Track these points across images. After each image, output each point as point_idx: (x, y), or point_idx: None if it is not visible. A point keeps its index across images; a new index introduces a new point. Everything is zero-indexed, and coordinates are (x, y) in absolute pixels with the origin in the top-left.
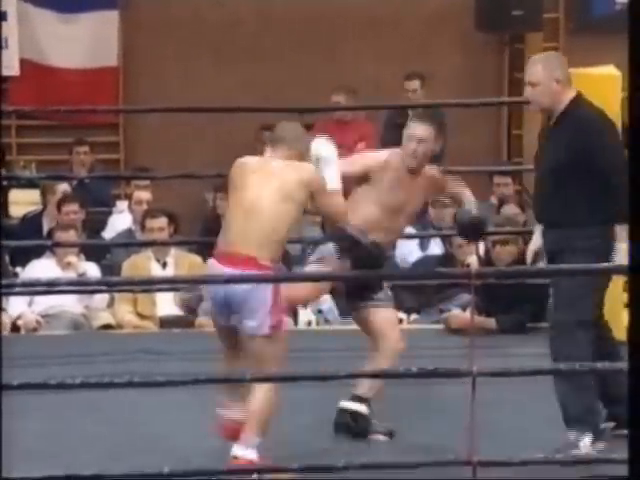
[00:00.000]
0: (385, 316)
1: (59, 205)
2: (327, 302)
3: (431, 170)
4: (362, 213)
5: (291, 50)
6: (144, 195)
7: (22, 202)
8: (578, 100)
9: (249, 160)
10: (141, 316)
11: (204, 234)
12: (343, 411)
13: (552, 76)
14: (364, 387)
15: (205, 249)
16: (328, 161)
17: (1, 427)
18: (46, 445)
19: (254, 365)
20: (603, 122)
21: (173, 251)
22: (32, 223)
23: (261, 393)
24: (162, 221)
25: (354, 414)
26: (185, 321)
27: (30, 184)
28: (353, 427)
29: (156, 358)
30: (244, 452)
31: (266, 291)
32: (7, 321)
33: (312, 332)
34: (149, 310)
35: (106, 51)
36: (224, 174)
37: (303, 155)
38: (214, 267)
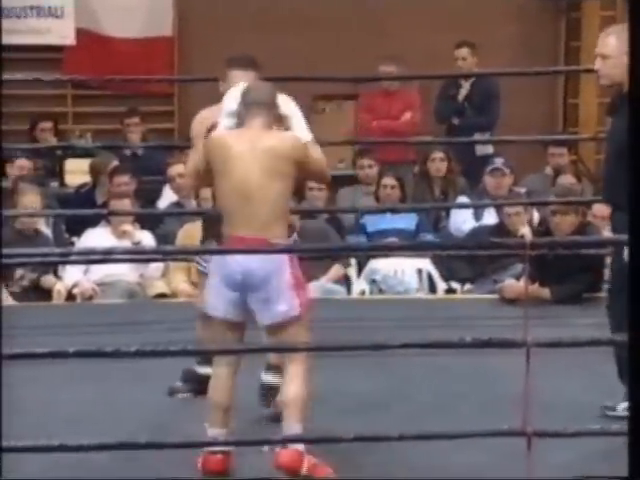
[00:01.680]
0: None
1: (110, 177)
2: (380, 272)
3: None
4: None
5: (340, 20)
6: (176, 169)
7: (78, 171)
8: None
9: (228, 139)
10: (195, 285)
11: None
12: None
13: (625, 49)
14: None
15: None
16: (296, 115)
17: (1, 397)
18: (99, 412)
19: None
20: None
21: None
22: (86, 195)
23: (298, 381)
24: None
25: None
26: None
27: (86, 153)
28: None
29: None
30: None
31: (286, 269)
32: (63, 289)
33: (366, 301)
34: None
35: (161, 21)
36: None
37: (281, 117)
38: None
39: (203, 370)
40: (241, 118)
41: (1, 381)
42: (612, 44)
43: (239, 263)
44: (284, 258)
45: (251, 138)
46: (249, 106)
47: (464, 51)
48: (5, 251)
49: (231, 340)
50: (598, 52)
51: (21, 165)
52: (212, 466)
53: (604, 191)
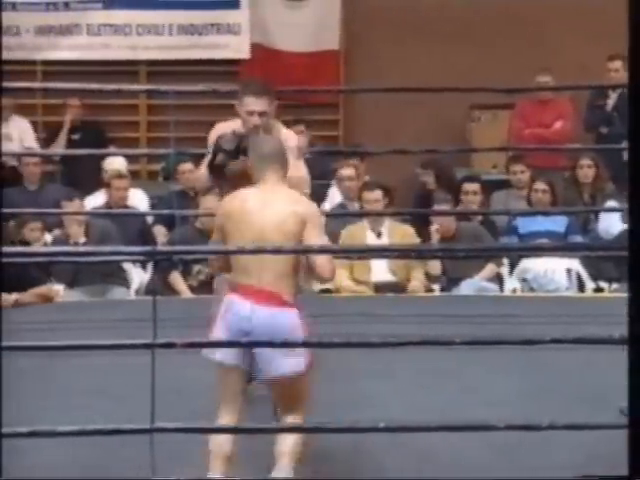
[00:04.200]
0: None
1: None
2: (532, 271)
3: None
4: None
5: (498, 33)
6: (346, 172)
7: None
8: None
9: (243, 195)
10: (357, 281)
11: (416, 206)
12: None
13: None
14: None
15: (417, 220)
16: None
17: (1, 385)
18: None
19: (287, 402)
20: None
21: (387, 222)
22: None
23: (292, 439)
24: (377, 194)
25: None
26: (397, 286)
27: None
28: None
29: (371, 320)
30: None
31: (299, 326)
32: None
33: (517, 298)
34: (365, 276)
35: (328, 36)
36: (433, 150)
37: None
38: (236, 302)
39: None
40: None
41: (1, 370)
42: None
43: (250, 312)
44: (295, 312)
45: (266, 194)
46: (263, 159)
47: (617, 63)
48: (184, 248)
49: (233, 385)
50: None
51: (188, 169)
52: None
53: None
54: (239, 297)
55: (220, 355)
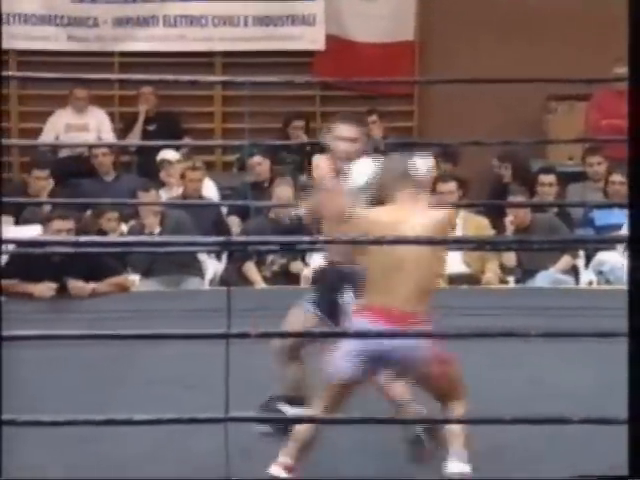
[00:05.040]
0: None
1: None
2: (608, 263)
3: None
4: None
5: (573, 25)
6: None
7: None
8: None
9: (384, 216)
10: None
11: (491, 198)
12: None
13: None
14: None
15: (492, 212)
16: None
17: (1, 376)
18: None
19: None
20: None
21: (462, 213)
22: None
23: (460, 410)
24: (452, 185)
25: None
26: (471, 278)
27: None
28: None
29: (445, 312)
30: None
31: (427, 347)
32: (309, 275)
33: (593, 291)
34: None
35: (403, 27)
36: (508, 142)
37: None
38: (364, 324)
39: (292, 410)
40: (379, 191)
41: (1, 360)
42: None
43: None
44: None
45: (407, 213)
46: (395, 179)
47: None
48: (257, 238)
49: (346, 399)
50: None
51: (257, 162)
52: None
53: None
54: (370, 319)
55: (346, 373)
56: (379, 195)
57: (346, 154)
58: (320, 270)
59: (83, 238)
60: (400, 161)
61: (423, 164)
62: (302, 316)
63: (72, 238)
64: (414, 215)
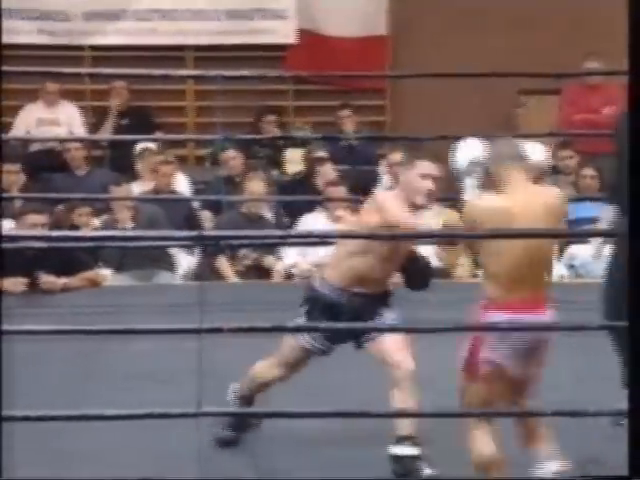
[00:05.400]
0: (382, 346)
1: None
2: (579, 258)
3: None
4: (352, 264)
5: (545, 19)
6: (396, 157)
7: (296, 160)
8: None
9: (502, 203)
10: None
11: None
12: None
13: None
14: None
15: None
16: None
17: (1, 370)
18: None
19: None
20: None
21: (435, 208)
22: (301, 182)
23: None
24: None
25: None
26: (443, 272)
27: (303, 143)
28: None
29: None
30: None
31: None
32: (282, 269)
33: (564, 285)
34: None
35: (376, 21)
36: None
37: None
38: (515, 317)
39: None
40: (487, 176)
41: (1, 354)
42: None
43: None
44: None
45: (526, 197)
46: (506, 163)
47: None
48: (228, 233)
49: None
50: None
51: (231, 156)
52: None
53: None
54: (514, 311)
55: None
56: (489, 180)
57: (430, 192)
58: (319, 296)
59: (55, 233)
60: (512, 145)
61: (538, 149)
62: (297, 348)
63: (45, 233)
64: (534, 197)
